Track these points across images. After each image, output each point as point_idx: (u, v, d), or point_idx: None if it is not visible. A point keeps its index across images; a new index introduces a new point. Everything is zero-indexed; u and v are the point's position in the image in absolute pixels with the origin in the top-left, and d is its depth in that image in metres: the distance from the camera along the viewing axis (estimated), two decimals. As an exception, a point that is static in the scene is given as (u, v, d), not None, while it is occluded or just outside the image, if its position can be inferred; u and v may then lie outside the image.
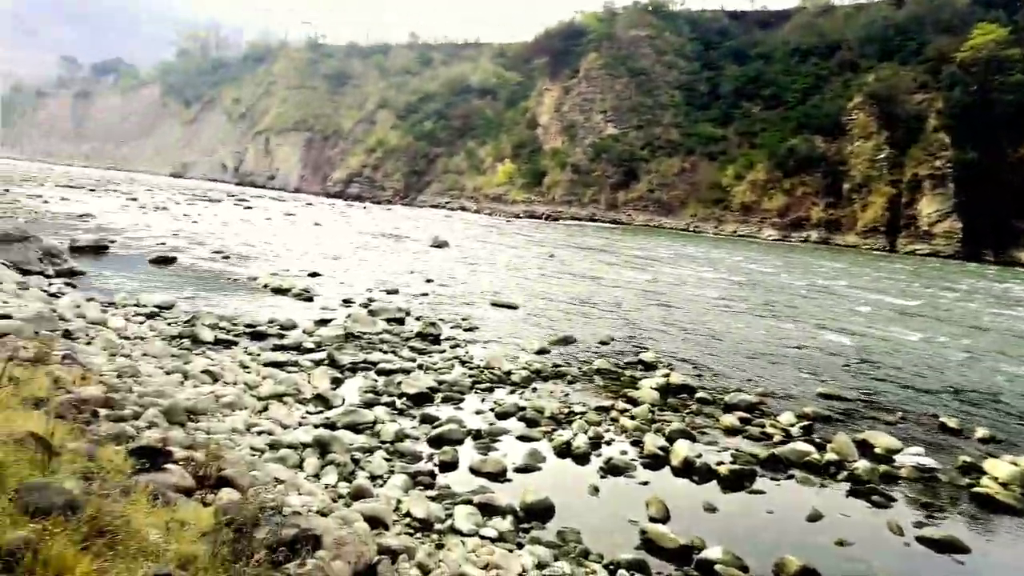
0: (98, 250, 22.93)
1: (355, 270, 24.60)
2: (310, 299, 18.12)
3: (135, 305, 14.89)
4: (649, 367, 13.59)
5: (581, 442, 9.06)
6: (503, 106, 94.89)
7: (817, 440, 10.04)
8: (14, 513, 2.86)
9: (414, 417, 9.63)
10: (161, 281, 18.87)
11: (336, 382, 10.80)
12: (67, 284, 16.61)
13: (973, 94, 61.10)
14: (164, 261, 22.41)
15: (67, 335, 10.87)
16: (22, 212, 33.05)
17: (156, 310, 14.68)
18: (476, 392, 11.15)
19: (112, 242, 24.75)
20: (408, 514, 6.43)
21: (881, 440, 10.06)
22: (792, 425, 10.58)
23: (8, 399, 4.89)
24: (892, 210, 61.19)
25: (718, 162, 73.45)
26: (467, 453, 8.56)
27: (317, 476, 7.03)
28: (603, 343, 15.47)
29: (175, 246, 26.36)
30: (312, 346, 12.87)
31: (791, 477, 8.90)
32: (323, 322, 15.02)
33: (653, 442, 9.24)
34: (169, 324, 13.51)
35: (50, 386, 6.26)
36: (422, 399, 10.34)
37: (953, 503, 8.50)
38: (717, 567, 6.35)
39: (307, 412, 9.25)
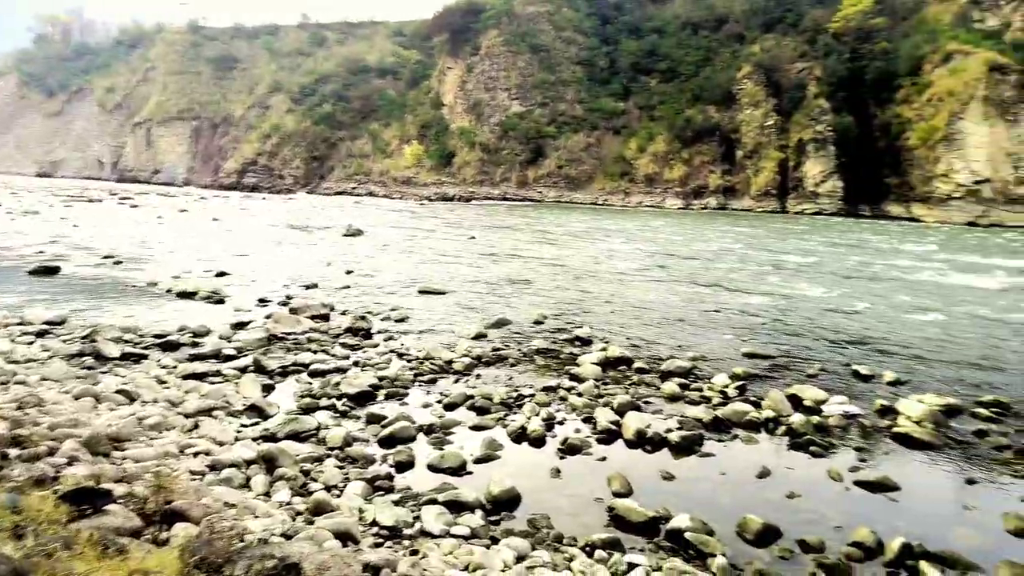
0: (-37, 264, 20.44)
1: (266, 266, 23.25)
2: (221, 301, 16.92)
3: (19, 323, 13.35)
4: (585, 342, 13.68)
5: (536, 425, 8.94)
6: (405, 86, 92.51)
7: (752, 399, 10.42)
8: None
9: (359, 418, 9.14)
10: (46, 294, 17.04)
11: (267, 389, 10.10)
12: (-69, 306, 14.65)
13: (845, 61, 65.39)
14: (46, 271, 20.24)
15: (-57, 364, 9.50)
16: None
17: (46, 327, 13.20)
18: (419, 385, 10.77)
19: (-21, 254, 22.14)
20: (375, 522, 6.06)
21: (808, 392, 10.56)
22: (727, 386, 10.95)
23: None
24: (781, 174, 64.99)
25: (621, 136, 75.09)
26: (422, 450, 8.21)
27: (268, 495, 6.47)
28: (537, 322, 15.41)
29: (56, 253, 23.96)
30: (233, 352, 11.95)
31: (735, 437, 9.19)
32: (240, 325, 14.06)
33: (604, 417, 9.28)
34: (65, 342, 12.17)
35: (-60, 428, 5.37)
36: (364, 398, 9.84)
37: (879, 445, 9.06)
38: (687, 535, 6.42)
39: (242, 425, 8.54)
